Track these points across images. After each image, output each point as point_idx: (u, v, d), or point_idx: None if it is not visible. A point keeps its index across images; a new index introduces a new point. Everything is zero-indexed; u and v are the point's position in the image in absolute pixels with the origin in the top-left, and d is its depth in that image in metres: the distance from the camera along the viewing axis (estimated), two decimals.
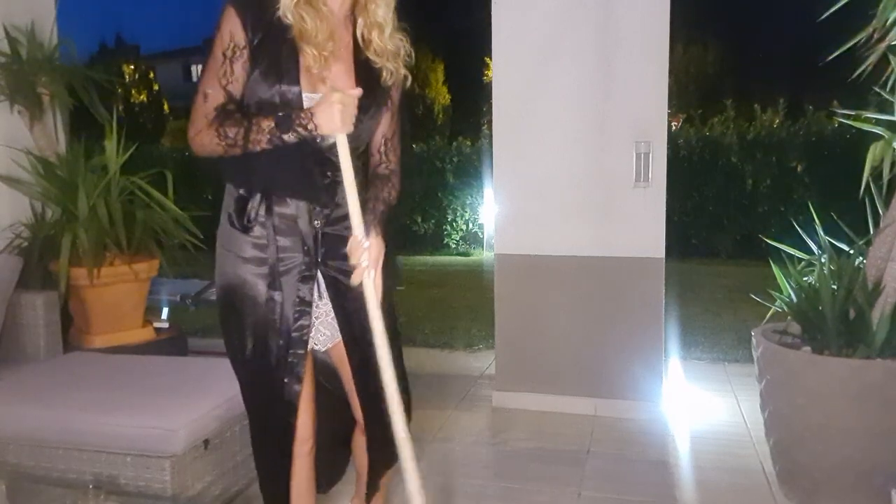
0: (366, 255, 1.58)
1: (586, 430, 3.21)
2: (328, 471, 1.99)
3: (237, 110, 1.62)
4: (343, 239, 1.67)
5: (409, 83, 1.78)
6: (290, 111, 1.58)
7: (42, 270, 3.13)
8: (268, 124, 1.56)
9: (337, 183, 1.66)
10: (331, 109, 1.54)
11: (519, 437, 3.19)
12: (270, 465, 1.82)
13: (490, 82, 3.48)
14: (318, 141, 1.61)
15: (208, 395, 2.29)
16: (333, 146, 1.59)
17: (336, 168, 1.62)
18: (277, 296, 1.68)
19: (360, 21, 1.69)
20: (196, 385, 2.39)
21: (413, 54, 1.76)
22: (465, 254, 10.75)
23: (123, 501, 1.98)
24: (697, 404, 3.55)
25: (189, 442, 2.13)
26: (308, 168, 1.66)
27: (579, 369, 3.43)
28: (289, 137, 1.56)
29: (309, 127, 1.56)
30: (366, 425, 1.83)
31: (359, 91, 1.62)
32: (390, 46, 1.69)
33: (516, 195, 3.46)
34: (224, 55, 1.60)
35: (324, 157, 1.65)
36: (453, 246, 10.89)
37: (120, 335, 3.18)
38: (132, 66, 20.83)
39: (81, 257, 3.04)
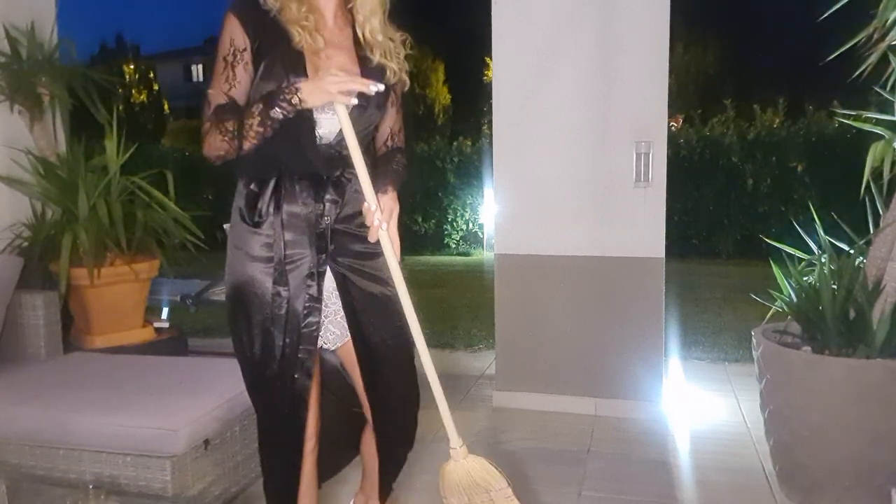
0: (378, 213, 1.62)
1: (587, 430, 3.21)
2: (326, 469, 1.99)
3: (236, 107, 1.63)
4: (353, 236, 1.71)
5: (406, 87, 1.82)
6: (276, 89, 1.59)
7: (42, 270, 3.12)
8: (257, 105, 1.58)
9: (347, 180, 1.69)
10: (317, 82, 1.55)
11: (519, 436, 3.19)
12: (280, 463, 1.82)
13: (490, 82, 3.47)
14: (310, 116, 1.62)
15: (208, 395, 2.29)
16: (342, 140, 1.60)
17: (345, 165, 1.64)
18: (284, 291, 1.69)
19: (356, 20, 1.73)
20: (196, 385, 2.38)
21: (408, 60, 1.80)
22: (465, 254, 10.75)
23: (124, 502, 1.98)
24: (698, 404, 3.55)
25: (189, 442, 2.12)
26: (314, 164, 1.67)
27: (580, 369, 3.43)
28: (275, 113, 1.55)
29: (293, 100, 1.55)
30: (375, 424, 1.83)
31: (357, 74, 1.66)
32: (380, 38, 1.72)
33: (516, 195, 3.46)
34: (225, 60, 1.62)
35: (332, 155, 1.67)
36: (453, 246, 10.89)
37: (120, 335, 3.19)
38: (132, 66, 20.86)
39: (82, 257, 3.04)
